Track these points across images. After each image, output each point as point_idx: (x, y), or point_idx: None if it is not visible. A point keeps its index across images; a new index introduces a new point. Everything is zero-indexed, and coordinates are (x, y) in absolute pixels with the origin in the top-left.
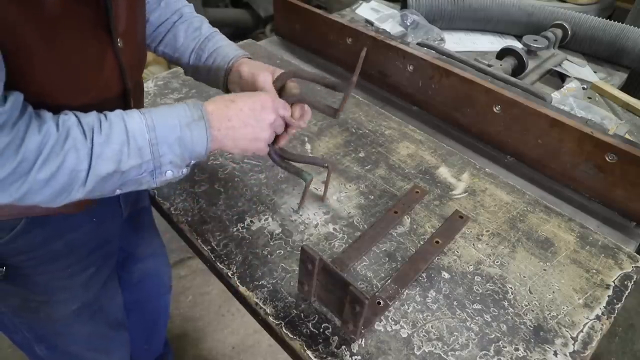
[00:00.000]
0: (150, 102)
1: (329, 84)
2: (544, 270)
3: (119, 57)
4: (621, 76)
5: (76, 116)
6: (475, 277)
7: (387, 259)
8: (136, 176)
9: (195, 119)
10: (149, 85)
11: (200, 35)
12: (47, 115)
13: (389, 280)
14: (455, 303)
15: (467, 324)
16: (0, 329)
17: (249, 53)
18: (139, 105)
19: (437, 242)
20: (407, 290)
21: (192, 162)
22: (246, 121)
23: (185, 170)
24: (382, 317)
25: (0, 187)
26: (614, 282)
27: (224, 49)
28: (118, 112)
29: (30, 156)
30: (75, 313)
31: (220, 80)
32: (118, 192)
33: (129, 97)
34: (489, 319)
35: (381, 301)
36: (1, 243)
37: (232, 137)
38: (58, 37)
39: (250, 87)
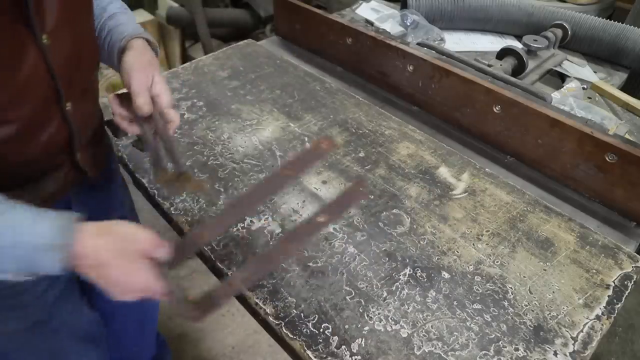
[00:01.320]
0: None
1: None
2: (544, 270)
3: (46, 55)
4: (621, 76)
5: None
6: (475, 277)
7: (387, 258)
8: None
9: (53, 247)
10: None
11: (104, 14)
12: None
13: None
14: (455, 303)
15: (467, 324)
16: None
17: (148, 34)
18: (84, 107)
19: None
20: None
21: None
22: (116, 278)
23: (23, 277)
24: (382, 317)
25: None
26: (614, 282)
27: (121, 27)
28: None
29: None
30: (30, 330)
31: (114, 60)
32: None
33: (61, 99)
34: (489, 319)
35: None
36: None
37: (102, 286)
38: None
39: (125, 83)
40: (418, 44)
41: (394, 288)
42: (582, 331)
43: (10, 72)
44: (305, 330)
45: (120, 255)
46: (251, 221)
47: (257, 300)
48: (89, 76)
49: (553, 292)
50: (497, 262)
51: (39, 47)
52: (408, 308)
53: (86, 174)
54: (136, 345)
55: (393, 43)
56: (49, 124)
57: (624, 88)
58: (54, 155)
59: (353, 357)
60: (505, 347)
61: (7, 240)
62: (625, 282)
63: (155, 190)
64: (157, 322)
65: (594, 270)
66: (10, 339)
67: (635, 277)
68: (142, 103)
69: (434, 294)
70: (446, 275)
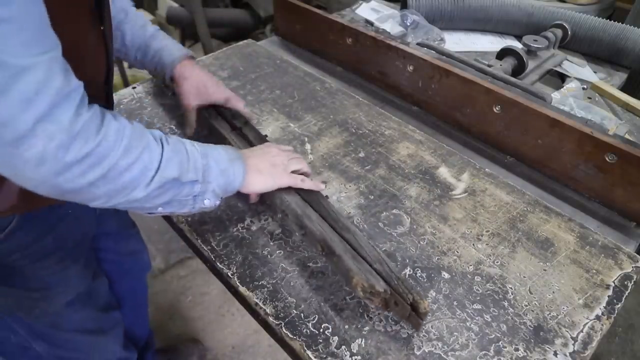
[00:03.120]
0: (151, 103)
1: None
2: (544, 270)
3: (106, 41)
4: (621, 76)
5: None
6: (475, 277)
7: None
8: (185, 196)
9: (236, 157)
10: (148, 86)
11: (145, 33)
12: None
13: None
14: (455, 303)
15: (467, 324)
16: None
17: (192, 52)
18: (111, 86)
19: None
20: None
21: (225, 195)
22: (266, 165)
23: (218, 202)
24: (382, 317)
25: (79, 169)
26: (614, 282)
27: (168, 49)
28: (175, 137)
29: (110, 138)
30: (68, 304)
31: (165, 76)
32: (160, 210)
33: (109, 79)
34: (489, 319)
35: None
36: None
37: (259, 175)
38: (61, 21)
39: (183, 97)
40: (418, 44)
41: None
42: (582, 331)
43: (83, 55)
44: (305, 330)
45: (269, 165)
46: (251, 221)
47: (257, 300)
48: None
49: (553, 292)
50: (497, 262)
51: (102, 34)
52: None
53: None
54: (132, 325)
55: (393, 43)
56: (99, 102)
57: (624, 88)
58: None
59: (353, 357)
60: (505, 347)
61: (214, 159)
62: (625, 282)
63: None
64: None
65: (594, 271)
66: (51, 317)
67: (635, 277)
68: (243, 106)
69: (434, 294)
70: (446, 275)
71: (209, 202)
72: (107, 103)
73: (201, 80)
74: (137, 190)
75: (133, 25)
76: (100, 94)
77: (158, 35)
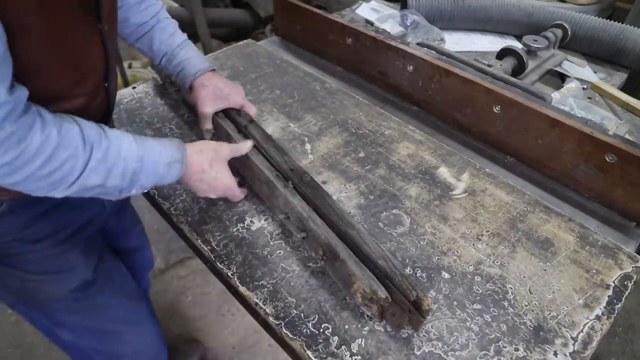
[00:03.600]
0: (151, 103)
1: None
2: (544, 270)
3: (104, 40)
4: (621, 76)
5: (79, 126)
6: (475, 277)
7: None
8: (110, 192)
9: (176, 160)
10: (148, 86)
11: (173, 43)
12: (49, 117)
13: None
14: (455, 303)
15: (467, 324)
16: (22, 315)
17: (214, 66)
18: (113, 84)
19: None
20: None
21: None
22: (209, 181)
23: (146, 190)
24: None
25: None
26: (614, 282)
27: (192, 61)
28: (116, 132)
29: (30, 152)
30: (80, 290)
31: (185, 85)
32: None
33: (108, 76)
34: (489, 319)
35: None
36: None
37: (198, 187)
38: (53, 18)
39: (198, 103)
40: (418, 44)
41: None
42: (582, 331)
43: (83, 55)
44: (305, 330)
45: (214, 162)
46: (251, 221)
47: (257, 300)
48: (117, 57)
49: (553, 292)
50: (497, 262)
51: (101, 33)
52: None
53: None
54: None
55: (393, 43)
56: (98, 98)
57: (624, 88)
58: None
59: (353, 357)
60: (505, 347)
61: (150, 162)
62: (625, 282)
63: (155, 191)
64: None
65: (594, 271)
66: (66, 304)
67: (635, 277)
68: (254, 113)
69: (434, 294)
70: (446, 275)
71: (136, 192)
72: (107, 100)
73: (218, 86)
74: (57, 191)
75: (162, 32)
76: (99, 90)
77: (185, 46)
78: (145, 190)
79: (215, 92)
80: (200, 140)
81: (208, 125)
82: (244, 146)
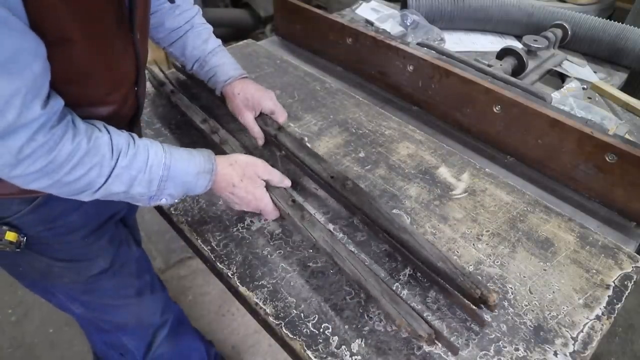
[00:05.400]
0: (151, 103)
1: None
2: (544, 270)
3: (136, 47)
4: (621, 76)
5: (109, 134)
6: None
7: (387, 259)
8: (137, 198)
9: (205, 171)
10: (148, 86)
11: (206, 49)
12: (82, 126)
13: None
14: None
15: (467, 324)
16: (37, 293)
17: (245, 72)
18: (143, 88)
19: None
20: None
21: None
22: (241, 195)
23: (177, 200)
24: (382, 317)
25: (26, 180)
26: (614, 282)
27: (224, 67)
28: (145, 141)
29: (59, 160)
30: (98, 275)
31: (216, 92)
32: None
33: (139, 82)
34: (489, 319)
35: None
36: (22, 214)
37: (230, 200)
38: (93, 31)
39: (235, 113)
40: (418, 44)
41: (394, 288)
42: (582, 331)
43: (118, 63)
44: (305, 330)
45: (244, 178)
46: (251, 221)
47: (257, 300)
48: (146, 62)
49: (553, 292)
50: (497, 262)
51: (133, 41)
52: None
53: None
54: None
55: (393, 43)
56: (129, 102)
57: (624, 88)
58: (121, 127)
59: (353, 357)
60: (505, 347)
61: (177, 171)
62: (625, 282)
63: None
64: None
65: (594, 270)
66: (84, 285)
67: (635, 277)
68: (283, 120)
69: (434, 294)
70: None
71: (166, 201)
72: (136, 102)
73: (249, 92)
74: (83, 195)
75: (195, 38)
76: (130, 95)
77: (218, 52)
78: (176, 200)
79: (247, 97)
80: (234, 153)
81: (256, 130)
82: (282, 181)
